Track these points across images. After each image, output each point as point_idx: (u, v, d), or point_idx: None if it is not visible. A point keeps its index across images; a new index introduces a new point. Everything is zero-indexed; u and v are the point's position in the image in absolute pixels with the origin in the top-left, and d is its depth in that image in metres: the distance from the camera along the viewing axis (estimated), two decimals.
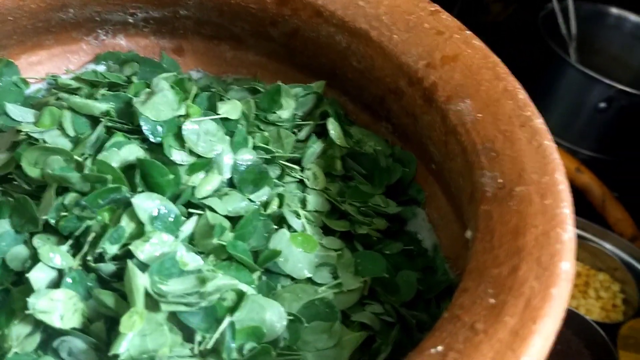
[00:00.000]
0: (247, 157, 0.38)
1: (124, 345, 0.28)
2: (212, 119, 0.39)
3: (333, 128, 0.42)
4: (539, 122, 0.32)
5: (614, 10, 0.96)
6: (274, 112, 0.42)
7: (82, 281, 0.32)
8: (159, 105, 0.37)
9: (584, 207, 0.83)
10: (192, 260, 0.32)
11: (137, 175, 0.35)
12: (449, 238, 0.39)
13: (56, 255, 0.32)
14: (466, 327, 0.24)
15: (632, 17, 0.95)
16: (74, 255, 0.33)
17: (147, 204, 0.33)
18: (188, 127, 0.37)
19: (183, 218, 0.35)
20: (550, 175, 0.29)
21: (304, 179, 0.40)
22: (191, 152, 0.37)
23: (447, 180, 0.37)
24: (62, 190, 0.34)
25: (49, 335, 0.31)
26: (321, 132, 0.43)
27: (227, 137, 0.39)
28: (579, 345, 0.67)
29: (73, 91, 0.42)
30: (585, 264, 0.78)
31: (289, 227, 0.37)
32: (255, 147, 0.40)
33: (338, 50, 0.42)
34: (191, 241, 0.34)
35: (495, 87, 0.34)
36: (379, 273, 0.36)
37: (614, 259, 0.76)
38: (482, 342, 0.24)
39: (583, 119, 0.90)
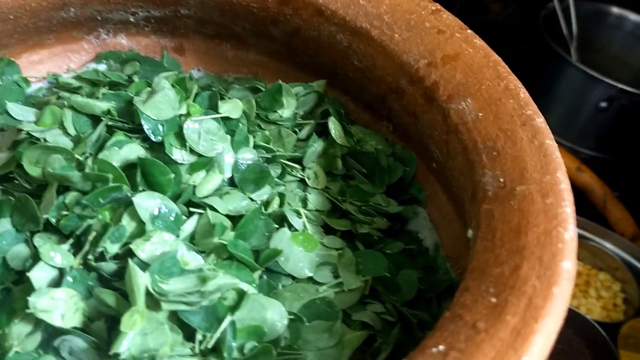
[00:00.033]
0: (248, 156, 0.38)
1: (125, 344, 0.28)
2: (213, 118, 0.39)
3: (334, 127, 0.42)
4: (540, 121, 0.32)
5: (615, 10, 0.96)
6: (275, 111, 0.42)
7: (82, 280, 0.32)
8: (160, 104, 0.37)
9: (585, 207, 0.83)
10: (193, 259, 0.32)
11: (138, 174, 0.35)
12: (450, 237, 0.39)
13: (57, 254, 0.32)
14: (468, 326, 0.24)
15: (633, 16, 0.95)
16: (74, 254, 0.33)
17: (148, 203, 0.33)
18: (189, 126, 0.37)
19: (184, 217, 0.35)
20: (552, 174, 0.29)
21: (305, 178, 0.40)
22: (192, 151, 0.37)
23: (448, 179, 0.37)
24: (63, 189, 0.34)
25: (49, 334, 0.31)
26: (322, 131, 0.43)
27: (228, 136, 0.39)
28: (580, 345, 0.67)
29: (74, 90, 0.42)
30: (586, 263, 0.78)
31: (290, 226, 0.37)
32: (256, 146, 0.40)
33: (339, 49, 0.42)
34: (192, 240, 0.34)
35: (497, 86, 0.34)
36: (380, 272, 0.36)
37: (614, 258, 0.76)
38: (483, 341, 0.24)
39: (584, 118, 0.90)
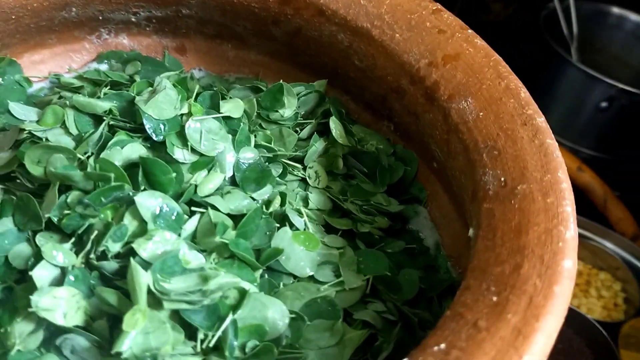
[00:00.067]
0: (249, 155, 0.38)
1: (127, 343, 0.28)
2: (214, 118, 0.39)
3: (335, 127, 0.42)
4: (540, 120, 0.32)
5: (615, 10, 0.96)
6: (276, 111, 0.42)
7: (84, 279, 0.32)
8: (161, 104, 0.37)
9: (585, 206, 0.84)
10: (194, 258, 0.32)
11: (140, 174, 0.35)
12: (451, 236, 0.39)
13: (59, 253, 0.32)
14: (469, 325, 0.24)
15: (633, 16, 0.95)
16: (76, 253, 0.33)
17: (149, 202, 0.33)
18: (190, 126, 0.37)
19: (185, 216, 0.35)
20: (552, 173, 0.29)
21: (306, 178, 0.40)
22: (193, 151, 0.37)
23: (449, 178, 0.37)
24: (65, 188, 0.34)
25: (51, 333, 0.31)
26: (323, 131, 0.43)
27: (230, 136, 0.39)
28: (581, 344, 0.67)
29: (76, 90, 0.42)
30: (586, 263, 0.78)
31: (291, 226, 0.37)
32: (257, 146, 0.40)
33: (340, 49, 0.42)
34: (193, 239, 0.34)
35: (497, 86, 0.34)
36: (381, 271, 0.36)
37: (615, 258, 0.76)
38: (484, 340, 0.24)
39: (584, 118, 0.90)
